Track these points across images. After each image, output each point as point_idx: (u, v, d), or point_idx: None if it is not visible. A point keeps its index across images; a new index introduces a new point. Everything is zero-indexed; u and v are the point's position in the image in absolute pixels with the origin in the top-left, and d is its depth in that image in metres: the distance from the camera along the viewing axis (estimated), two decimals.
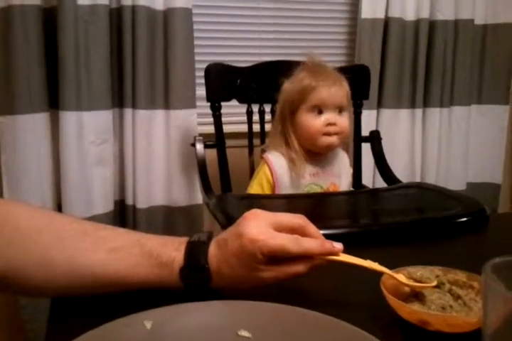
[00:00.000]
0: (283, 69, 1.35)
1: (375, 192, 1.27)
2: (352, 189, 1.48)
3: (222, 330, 0.49)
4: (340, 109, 1.29)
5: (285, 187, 1.29)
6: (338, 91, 1.28)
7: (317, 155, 1.34)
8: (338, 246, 0.57)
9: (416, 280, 0.57)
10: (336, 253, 0.57)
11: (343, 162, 1.40)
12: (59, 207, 1.61)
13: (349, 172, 1.43)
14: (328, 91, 1.27)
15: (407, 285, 0.57)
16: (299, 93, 1.29)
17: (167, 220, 1.74)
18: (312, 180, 1.31)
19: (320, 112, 1.28)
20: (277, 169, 1.30)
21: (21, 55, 1.47)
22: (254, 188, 1.32)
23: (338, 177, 1.36)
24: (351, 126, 1.36)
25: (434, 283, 0.56)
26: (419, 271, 0.58)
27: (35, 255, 0.56)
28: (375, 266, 0.58)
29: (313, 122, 1.28)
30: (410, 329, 0.52)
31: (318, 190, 1.31)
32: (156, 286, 0.58)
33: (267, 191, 1.30)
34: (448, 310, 0.53)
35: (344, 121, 1.30)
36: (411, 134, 1.99)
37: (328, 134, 1.28)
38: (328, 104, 1.27)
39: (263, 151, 1.38)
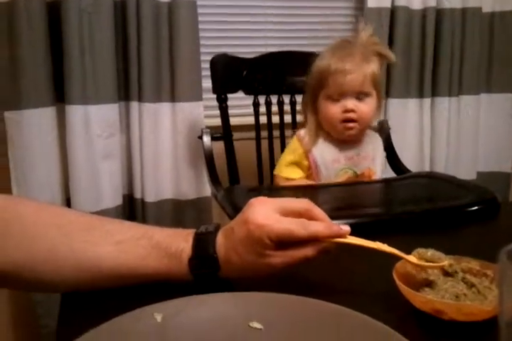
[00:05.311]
0: (289, 59, 1.34)
1: (385, 181, 1.26)
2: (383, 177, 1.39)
3: (234, 322, 0.49)
4: (359, 96, 1.24)
5: (319, 168, 1.28)
6: (358, 77, 1.22)
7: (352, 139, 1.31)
8: (346, 228, 0.57)
9: (427, 261, 0.56)
10: (343, 236, 0.57)
11: (376, 145, 1.37)
12: (68, 202, 1.61)
13: (382, 156, 1.38)
14: (344, 78, 1.21)
15: (418, 265, 0.56)
16: (317, 79, 1.26)
17: (176, 213, 1.74)
18: (347, 164, 1.29)
19: (338, 99, 1.24)
20: (307, 145, 1.29)
21: (26, 49, 1.46)
22: (287, 156, 1.32)
23: (373, 160, 1.33)
24: (375, 111, 1.29)
25: (446, 262, 0.56)
26: (429, 251, 0.57)
27: (43, 251, 0.56)
28: (384, 247, 0.57)
29: (332, 110, 1.25)
30: (424, 318, 0.51)
31: (351, 174, 1.29)
32: (165, 278, 0.57)
33: (302, 161, 1.30)
34: (462, 298, 0.52)
35: (364, 108, 1.25)
36: (420, 124, 1.98)
37: (347, 121, 1.24)
38: (346, 91, 1.23)
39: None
